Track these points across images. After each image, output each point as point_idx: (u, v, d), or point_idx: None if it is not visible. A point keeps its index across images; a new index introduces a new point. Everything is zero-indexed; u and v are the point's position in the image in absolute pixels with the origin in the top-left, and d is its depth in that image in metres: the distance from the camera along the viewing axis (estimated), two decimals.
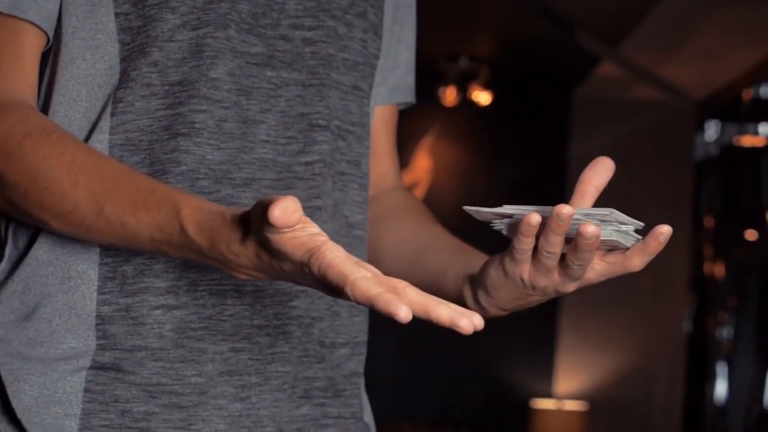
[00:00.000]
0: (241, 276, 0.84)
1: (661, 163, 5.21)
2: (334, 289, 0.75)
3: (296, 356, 1.02)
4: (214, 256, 0.84)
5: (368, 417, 1.14)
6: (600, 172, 0.90)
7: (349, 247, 1.07)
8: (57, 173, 0.92)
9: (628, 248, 0.89)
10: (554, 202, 0.87)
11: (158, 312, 0.98)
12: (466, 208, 0.91)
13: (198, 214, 0.85)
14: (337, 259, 0.74)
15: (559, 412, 4.74)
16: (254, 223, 0.78)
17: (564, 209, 0.84)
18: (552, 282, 0.91)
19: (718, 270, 5.22)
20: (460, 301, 1.02)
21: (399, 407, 4.93)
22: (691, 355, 5.20)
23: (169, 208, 0.87)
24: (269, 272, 0.82)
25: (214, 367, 0.99)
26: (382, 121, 1.22)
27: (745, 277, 5.19)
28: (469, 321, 0.73)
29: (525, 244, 0.89)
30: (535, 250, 0.90)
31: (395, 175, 1.25)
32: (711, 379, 5.17)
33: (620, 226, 0.87)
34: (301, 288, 1.01)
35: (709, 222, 5.28)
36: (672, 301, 5.19)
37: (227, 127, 1.00)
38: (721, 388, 5.16)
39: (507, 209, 0.89)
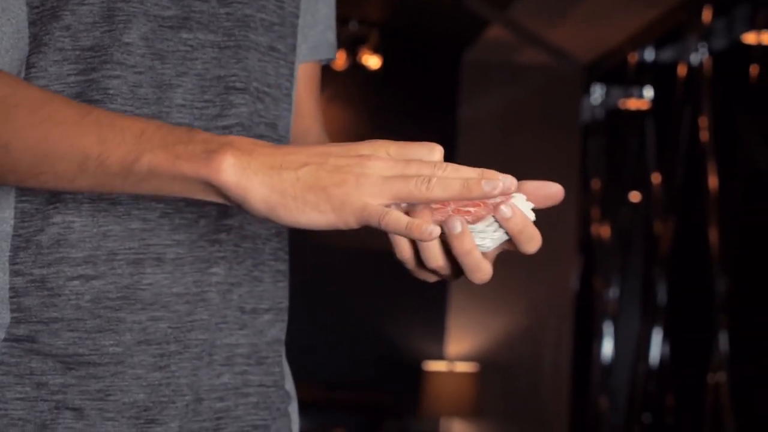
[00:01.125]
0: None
1: (549, 126, 5.27)
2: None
3: (214, 323, 1.01)
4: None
5: (289, 385, 1.13)
6: (546, 197, 0.85)
7: None
8: (29, 91, 0.88)
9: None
10: None
11: (75, 282, 0.96)
12: None
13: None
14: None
15: (450, 374, 4.79)
16: None
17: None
18: (440, 266, 0.86)
19: (605, 231, 5.32)
20: None
21: (293, 370, 4.92)
22: (578, 315, 5.30)
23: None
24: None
25: (132, 336, 0.97)
26: (303, 78, 1.21)
27: (630, 238, 5.29)
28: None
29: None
30: None
31: (318, 131, 1.24)
32: (598, 338, 5.27)
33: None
34: (221, 254, 1.00)
35: (595, 184, 5.36)
36: (560, 262, 5.27)
37: (142, 92, 0.98)
38: (607, 347, 5.27)
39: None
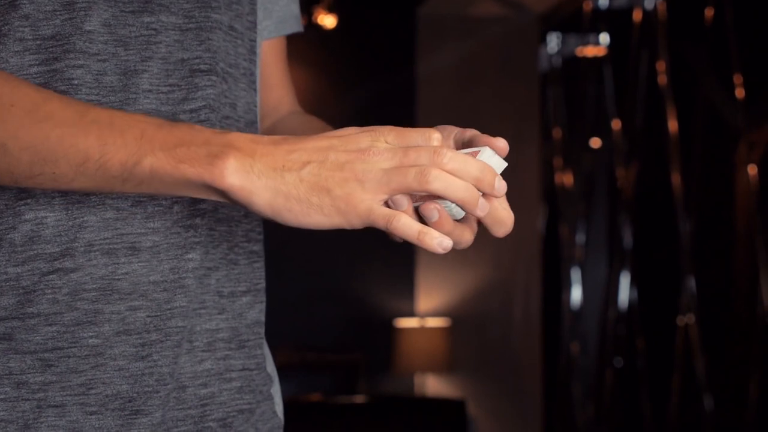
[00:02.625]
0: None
1: (507, 77, 5.26)
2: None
3: (192, 309, 0.99)
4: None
5: (270, 367, 1.12)
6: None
7: None
8: (25, 89, 0.87)
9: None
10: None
11: (52, 276, 0.94)
12: None
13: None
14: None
15: (422, 330, 4.81)
16: None
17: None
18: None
19: (568, 179, 5.33)
20: None
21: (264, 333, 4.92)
22: (545, 264, 5.32)
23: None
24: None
25: (110, 327, 0.95)
26: (271, 53, 1.20)
27: (593, 184, 5.31)
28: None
29: None
30: None
31: (290, 102, 1.23)
32: (566, 285, 5.30)
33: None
34: (197, 239, 0.99)
35: (557, 133, 5.37)
36: (525, 212, 5.28)
37: (107, 80, 0.96)
38: (576, 293, 5.30)
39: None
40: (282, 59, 1.23)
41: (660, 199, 4.63)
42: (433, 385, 5.05)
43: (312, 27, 4.95)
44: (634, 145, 4.82)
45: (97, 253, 0.95)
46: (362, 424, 2.94)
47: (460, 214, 0.85)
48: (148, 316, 0.96)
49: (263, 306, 1.08)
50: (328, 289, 5.03)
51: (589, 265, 5.35)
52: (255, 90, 1.09)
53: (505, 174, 0.85)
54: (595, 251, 5.34)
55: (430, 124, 0.88)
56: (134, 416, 0.96)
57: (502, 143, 0.85)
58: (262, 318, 1.08)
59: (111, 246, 0.96)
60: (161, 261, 0.97)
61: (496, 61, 5.24)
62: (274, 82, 1.21)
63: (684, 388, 4.46)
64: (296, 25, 1.22)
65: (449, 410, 2.95)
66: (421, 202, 0.83)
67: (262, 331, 1.08)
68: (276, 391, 1.14)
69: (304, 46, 5.08)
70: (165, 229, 0.97)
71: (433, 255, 5.14)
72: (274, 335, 5.21)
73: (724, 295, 4.44)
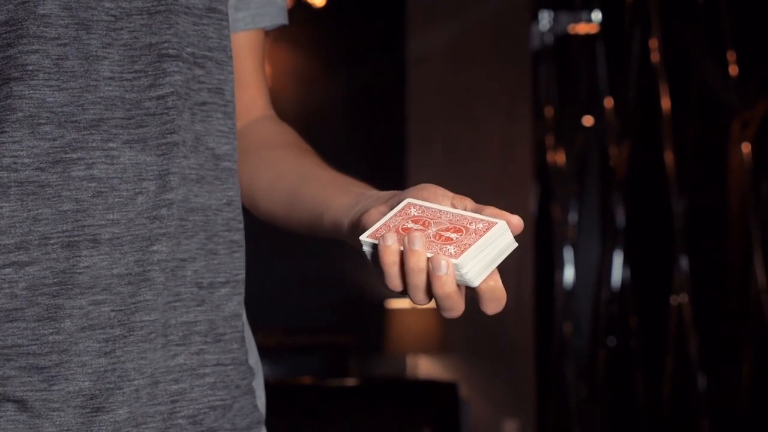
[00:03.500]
0: None
1: (499, 56, 5.22)
2: None
3: (162, 303, 0.96)
4: None
5: (254, 360, 1.09)
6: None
7: (219, 181, 1.02)
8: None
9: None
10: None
11: (8, 270, 0.91)
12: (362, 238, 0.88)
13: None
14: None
15: (413, 311, 4.78)
16: None
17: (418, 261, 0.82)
18: (424, 304, 0.85)
19: (560, 158, 5.31)
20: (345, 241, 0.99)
21: (253, 317, 4.88)
22: (538, 243, 5.30)
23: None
24: None
25: (72, 323, 0.93)
26: (246, 47, 1.15)
27: (585, 163, 5.29)
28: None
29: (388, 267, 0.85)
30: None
31: (263, 104, 1.18)
32: (559, 265, 5.29)
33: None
34: (163, 230, 0.96)
35: (548, 111, 5.34)
36: (517, 191, 5.25)
37: (68, 65, 0.93)
38: (568, 273, 5.29)
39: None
40: (257, 55, 1.17)
41: (653, 177, 4.61)
42: (426, 367, 5.04)
43: (301, 5, 4.91)
44: (626, 124, 4.79)
45: (55, 246, 0.92)
46: (353, 407, 2.93)
47: (473, 283, 0.81)
48: (112, 311, 0.94)
49: (242, 298, 1.05)
50: (320, 270, 5.00)
51: (582, 245, 5.33)
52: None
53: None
54: (587, 231, 5.33)
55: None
56: (96, 413, 0.94)
57: (517, 220, 0.85)
58: (240, 310, 1.04)
59: (71, 239, 0.93)
60: (125, 253, 0.94)
61: (487, 40, 5.20)
62: (247, 80, 1.16)
63: (677, 368, 4.46)
64: (279, 17, 1.16)
65: (441, 393, 2.94)
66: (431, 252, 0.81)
67: (240, 324, 1.05)
68: (258, 384, 1.10)
69: (293, 25, 5.02)
70: (127, 220, 0.94)
71: None
72: (265, 317, 5.19)
73: (718, 275, 4.43)
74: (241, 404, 1.04)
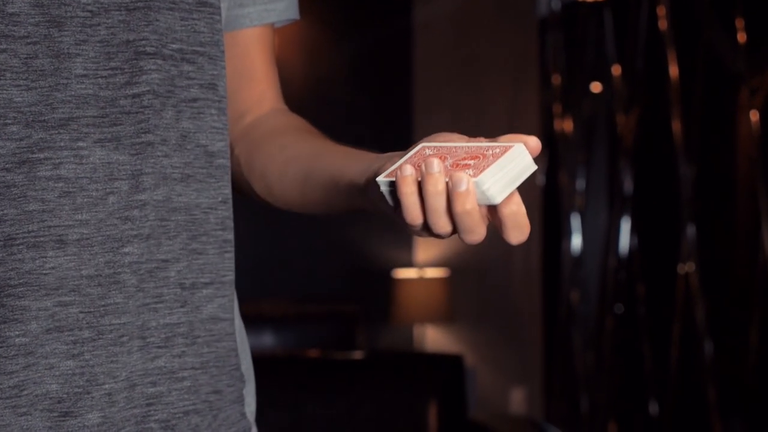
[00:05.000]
0: None
1: (506, 23, 5.19)
2: None
3: (135, 305, 0.94)
4: None
5: (245, 366, 1.07)
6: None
7: (213, 178, 1.00)
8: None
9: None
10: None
11: None
12: (379, 179, 0.85)
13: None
14: None
15: (420, 281, 4.78)
16: None
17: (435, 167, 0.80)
18: (447, 231, 0.84)
19: (567, 125, 5.28)
20: (364, 208, 0.97)
21: (260, 287, 4.90)
22: (545, 212, 5.29)
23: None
24: None
25: (38, 324, 0.91)
26: (254, 44, 1.13)
27: (593, 130, 5.27)
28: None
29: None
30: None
31: (273, 98, 1.16)
32: (566, 233, 5.28)
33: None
34: (134, 232, 0.94)
35: (556, 79, 5.31)
36: None
37: (37, 63, 0.91)
38: (576, 241, 5.28)
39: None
40: (266, 51, 1.15)
41: (661, 145, 4.59)
42: (433, 336, 5.04)
43: None
44: (634, 91, 4.77)
45: (21, 246, 0.90)
46: (359, 380, 2.93)
47: (495, 200, 0.80)
48: (81, 312, 0.92)
49: (227, 300, 1.02)
50: (326, 239, 5.00)
51: (590, 213, 5.32)
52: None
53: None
54: (595, 198, 5.31)
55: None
56: (64, 418, 0.92)
57: (534, 142, 0.83)
58: (221, 314, 1.01)
59: (36, 239, 0.91)
60: (95, 254, 0.92)
61: (494, 6, 5.17)
62: (257, 76, 1.14)
63: (684, 335, 4.46)
64: (286, 12, 1.14)
65: (446, 366, 2.94)
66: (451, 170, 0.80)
67: (218, 328, 1.02)
68: (249, 392, 1.08)
69: None
70: (97, 221, 0.92)
71: None
72: (273, 285, 5.18)
73: (725, 243, 4.42)
74: (227, 413, 1.02)
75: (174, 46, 0.97)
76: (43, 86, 0.91)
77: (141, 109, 0.94)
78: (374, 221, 5.05)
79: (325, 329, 4.72)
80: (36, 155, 0.91)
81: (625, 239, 4.89)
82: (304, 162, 1.06)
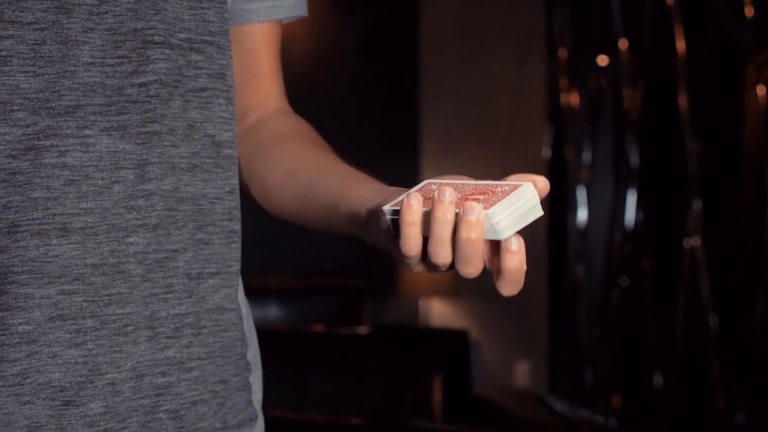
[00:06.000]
0: None
1: None
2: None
3: (141, 295, 0.94)
4: None
5: (252, 355, 1.07)
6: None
7: (220, 168, 0.99)
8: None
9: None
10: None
11: None
12: (385, 208, 0.85)
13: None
14: None
15: None
16: None
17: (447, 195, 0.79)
18: (446, 263, 0.82)
19: (574, 99, 5.27)
20: (361, 236, 0.96)
21: (266, 260, 4.91)
22: (551, 184, 5.28)
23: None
24: None
25: (41, 312, 0.91)
26: (260, 40, 1.12)
27: (599, 102, 5.25)
28: None
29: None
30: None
31: (278, 98, 1.15)
32: (572, 206, 5.28)
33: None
34: (140, 222, 0.94)
35: (562, 53, 5.29)
36: (531, 133, 5.23)
37: (45, 50, 0.91)
38: (582, 214, 5.28)
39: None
40: (272, 47, 1.13)
41: (667, 119, 4.58)
42: (438, 310, 5.06)
43: None
44: (640, 66, 4.75)
45: (25, 234, 0.90)
46: (364, 355, 2.94)
47: (504, 234, 0.79)
48: (84, 301, 0.92)
49: (233, 291, 1.02)
50: None
51: (595, 186, 5.31)
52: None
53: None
54: (601, 172, 5.30)
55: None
56: (66, 407, 0.92)
57: (542, 183, 0.83)
58: (227, 304, 1.01)
59: (41, 227, 0.91)
60: (99, 243, 0.92)
61: None
62: (263, 74, 1.13)
63: (689, 309, 4.46)
64: (294, 8, 1.13)
65: (451, 340, 2.95)
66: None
67: (223, 318, 1.01)
68: (255, 379, 1.08)
69: None
70: (102, 209, 0.92)
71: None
72: (278, 259, 5.19)
73: (731, 218, 4.41)
74: (233, 401, 1.02)
75: (182, 35, 0.96)
76: (50, 73, 0.91)
77: (148, 99, 0.94)
78: None
79: (330, 302, 4.73)
80: (42, 142, 0.90)
81: (630, 213, 4.89)
82: (305, 179, 1.05)
